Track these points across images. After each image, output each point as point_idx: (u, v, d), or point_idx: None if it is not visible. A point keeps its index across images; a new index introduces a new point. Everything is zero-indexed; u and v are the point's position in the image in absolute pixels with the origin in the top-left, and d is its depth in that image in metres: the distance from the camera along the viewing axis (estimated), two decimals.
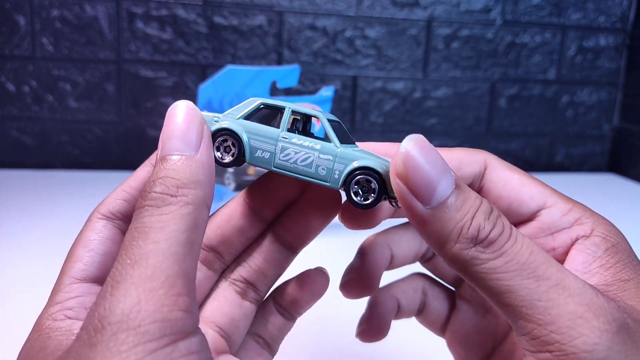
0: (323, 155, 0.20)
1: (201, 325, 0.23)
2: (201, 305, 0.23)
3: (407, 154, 0.17)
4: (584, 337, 0.16)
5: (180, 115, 0.19)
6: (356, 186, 0.20)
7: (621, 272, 0.19)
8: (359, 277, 0.25)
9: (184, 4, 0.84)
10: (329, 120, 0.22)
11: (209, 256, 0.23)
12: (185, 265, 0.16)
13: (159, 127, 0.88)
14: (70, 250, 0.21)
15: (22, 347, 0.19)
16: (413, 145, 0.18)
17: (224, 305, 0.23)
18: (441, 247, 0.18)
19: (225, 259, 0.24)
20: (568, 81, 0.98)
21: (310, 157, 0.21)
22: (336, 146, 0.20)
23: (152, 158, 0.22)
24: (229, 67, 0.53)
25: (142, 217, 0.17)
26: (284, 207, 0.24)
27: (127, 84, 0.86)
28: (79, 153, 0.87)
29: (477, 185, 0.23)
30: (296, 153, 0.21)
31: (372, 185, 0.20)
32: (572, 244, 0.21)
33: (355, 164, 0.20)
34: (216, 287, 0.24)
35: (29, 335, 0.20)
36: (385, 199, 0.20)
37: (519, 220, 0.22)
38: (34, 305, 0.43)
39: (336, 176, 0.20)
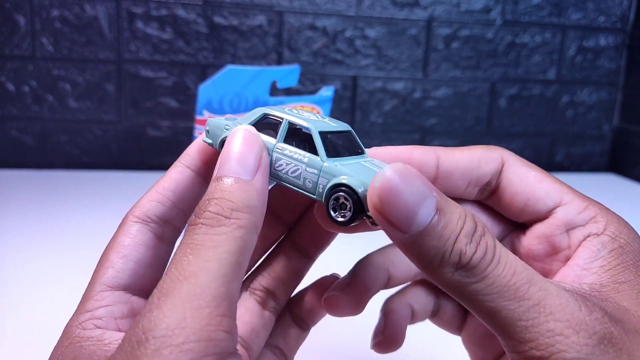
0: (309, 169, 0.20)
1: None
2: None
3: (382, 188, 0.17)
4: (563, 352, 0.17)
5: (240, 140, 0.19)
6: (334, 202, 0.20)
7: (620, 274, 0.19)
8: (344, 296, 0.24)
9: (184, 4, 0.84)
10: (332, 132, 0.21)
11: None
12: (232, 287, 0.17)
13: (158, 127, 0.88)
14: (102, 254, 0.21)
15: (51, 355, 0.19)
16: (388, 178, 0.17)
17: (245, 315, 0.24)
18: (425, 270, 0.18)
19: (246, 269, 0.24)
20: (568, 81, 0.98)
21: (299, 169, 0.20)
22: (322, 160, 0.20)
23: (183, 158, 0.23)
24: (229, 67, 0.53)
25: (195, 234, 0.17)
26: (304, 210, 0.24)
27: (127, 84, 0.86)
28: (78, 153, 0.87)
29: (495, 182, 0.23)
30: (287, 164, 0.21)
31: (348, 204, 0.19)
32: (584, 241, 0.21)
33: (334, 181, 0.20)
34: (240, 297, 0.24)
35: (58, 342, 0.20)
36: (363, 218, 0.19)
37: (535, 217, 0.22)
38: (34, 305, 0.43)
39: (320, 190, 0.20)
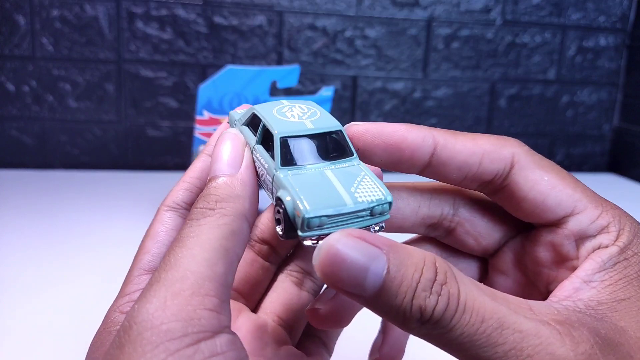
0: (268, 176, 0.20)
1: (263, 317, 0.24)
2: (262, 297, 0.25)
3: (322, 264, 0.16)
4: None
5: (223, 142, 0.20)
6: (277, 214, 0.19)
7: (620, 290, 0.19)
8: (328, 309, 0.23)
9: (184, 4, 0.84)
10: (303, 135, 0.20)
11: (263, 248, 0.24)
12: (217, 269, 0.17)
13: (158, 127, 0.88)
14: (140, 243, 0.22)
15: (92, 341, 0.20)
16: (325, 254, 0.16)
17: (282, 296, 0.24)
18: (395, 325, 0.17)
19: (281, 253, 0.25)
20: (568, 81, 0.97)
21: (264, 174, 0.20)
22: (275, 169, 0.19)
23: (206, 148, 0.23)
24: (229, 67, 0.53)
25: (183, 230, 0.18)
26: None
27: (127, 83, 0.86)
28: (78, 153, 0.87)
29: (500, 183, 0.21)
30: (259, 167, 0.20)
31: (282, 221, 0.19)
32: (592, 253, 0.20)
33: (277, 194, 0.19)
34: (275, 280, 0.25)
35: (99, 327, 0.20)
36: (298, 237, 0.18)
37: (544, 223, 0.21)
38: (34, 305, 0.43)
39: (272, 199, 0.20)
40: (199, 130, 0.54)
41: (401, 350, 0.25)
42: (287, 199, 0.18)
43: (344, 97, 0.91)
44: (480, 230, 0.23)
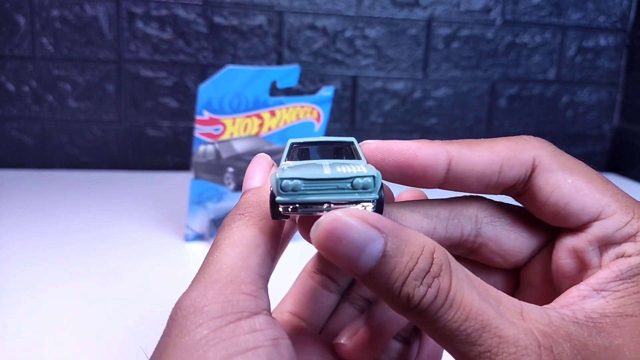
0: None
1: (323, 336, 0.24)
2: (326, 323, 0.25)
3: (319, 238, 0.17)
4: None
5: (252, 163, 0.22)
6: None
7: (630, 305, 0.17)
8: (354, 344, 0.23)
9: (184, 4, 0.84)
10: (313, 142, 0.21)
11: (322, 278, 0.25)
12: (250, 261, 0.18)
13: (158, 127, 0.88)
14: None
15: None
16: (323, 229, 0.17)
17: (344, 320, 0.25)
18: (385, 301, 0.17)
19: (339, 281, 0.25)
20: (568, 81, 0.98)
21: None
22: (281, 162, 0.20)
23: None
24: (229, 67, 0.53)
25: (217, 236, 0.19)
26: None
27: (127, 84, 0.86)
28: (78, 153, 0.87)
29: (521, 188, 0.20)
30: None
31: None
32: (613, 261, 0.19)
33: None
34: (339, 307, 0.25)
35: None
36: (280, 210, 0.19)
37: (568, 227, 0.20)
38: (34, 305, 0.43)
39: None
40: (199, 130, 0.54)
41: (439, 354, 0.25)
42: (272, 176, 0.18)
43: (344, 97, 0.91)
44: (507, 248, 0.22)
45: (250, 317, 0.17)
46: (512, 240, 0.22)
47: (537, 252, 0.22)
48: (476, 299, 0.17)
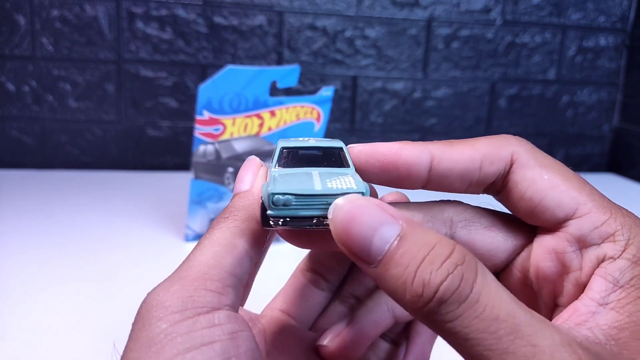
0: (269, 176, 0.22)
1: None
2: (316, 321, 0.26)
3: (335, 219, 0.17)
4: None
5: (242, 166, 0.22)
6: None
7: None
8: (335, 346, 0.23)
9: (184, 4, 0.84)
10: (303, 147, 0.21)
11: (312, 277, 0.26)
12: (224, 260, 0.18)
13: (158, 127, 0.88)
14: None
15: None
16: (340, 209, 0.17)
17: (333, 318, 0.25)
18: (399, 304, 0.16)
19: (330, 279, 0.26)
20: (568, 81, 0.98)
21: None
22: (271, 167, 0.21)
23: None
24: (229, 67, 0.53)
25: (201, 238, 0.20)
26: None
27: (127, 84, 0.86)
28: (78, 153, 0.87)
29: (500, 184, 0.20)
30: None
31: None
32: (599, 265, 0.18)
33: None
34: (329, 305, 0.26)
35: None
36: (270, 222, 0.19)
37: (545, 226, 0.20)
38: (34, 305, 0.43)
39: None
40: (199, 130, 0.54)
41: None
42: (264, 187, 0.19)
43: (344, 97, 0.91)
44: (482, 251, 0.21)
45: (210, 312, 0.17)
46: (486, 244, 0.21)
47: (515, 257, 0.22)
48: (507, 300, 0.15)
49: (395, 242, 0.16)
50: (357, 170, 0.21)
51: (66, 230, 0.60)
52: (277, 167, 0.21)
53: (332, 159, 0.21)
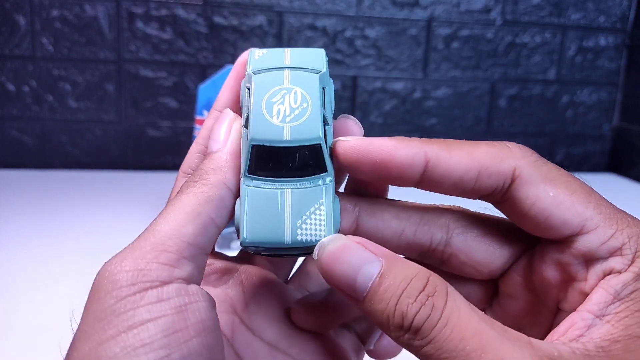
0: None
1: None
2: (293, 275, 0.26)
3: (320, 261, 0.18)
4: None
5: (213, 121, 0.22)
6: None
7: (637, 325, 0.17)
8: (309, 315, 0.23)
9: (184, 4, 0.84)
10: (278, 147, 0.20)
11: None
12: (184, 229, 0.18)
13: (158, 127, 0.88)
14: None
15: None
16: (323, 251, 0.18)
17: (312, 270, 0.26)
18: (386, 334, 0.17)
19: (280, 272, 0.26)
20: (568, 81, 0.98)
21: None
22: (242, 173, 0.20)
23: (216, 104, 0.24)
24: (229, 67, 0.53)
25: (168, 202, 0.20)
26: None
27: (127, 84, 0.86)
28: (78, 153, 0.87)
29: (499, 197, 0.20)
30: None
31: None
32: (603, 280, 0.18)
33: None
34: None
35: None
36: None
37: (551, 239, 0.19)
38: (34, 305, 0.43)
39: None
40: (199, 131, 0.54)
41: (398, 347, 0.25)
42: (237, 212, 0.20)
43: (344, 97, 0.91)
44: (478, 259, 0.21)
45: (159, 286, 0.17)
46: (482, 252, 0.21)
47: (515, 263, 0.21)
48: (475, 320, 0.16)
49: (377, 279, 0.17)
50: (345, 169, 0.20)
51: (66, 230, 0.60)
52: (247, 174, 0.20)
53: (309, 162, 0.20)
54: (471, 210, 0.22)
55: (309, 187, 0.20)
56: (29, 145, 0.86)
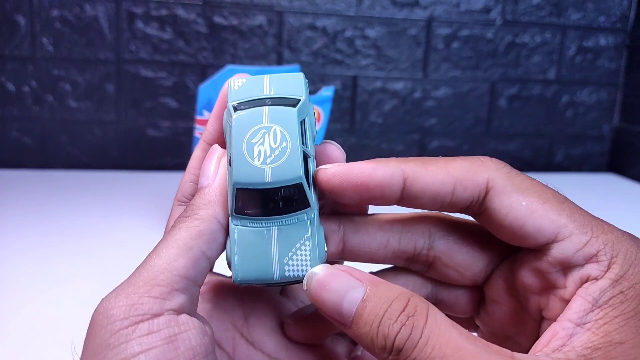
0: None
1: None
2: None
3: (309, 290, 0.19)
4: None
5: (206, 156, 0.22)
6: None
7: (616, 331, 0.17)
8: (300, 329, 0.23)
9: (184, 4, 0.84)
10: (258, 189, 0.20)
11: None
12: (176, 263, 0.19)
13: (158, 127, 0.88)
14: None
15: None
16: (312, 280, 0.19)
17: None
18: (370, 353, 0.18)
19: None
20: (568, 81, 0.98)
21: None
22: (229, 214, 0.21)
23: (204, 136, 0.24)
24: (229, 67, 0.53)
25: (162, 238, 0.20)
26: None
27: (127, 84, 0.86)
28: (78, 153, 0.87)
29: (476, 209, 0.21)
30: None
31: None
32: (582, 285, 0.18)
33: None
34: None
35: None
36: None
37: (528, 247, 0.20)
38: (34, 305, 0.43)
39: None
40: (199, 131, 0.54)
41: None
42: (227, 249, 0.21)
43: (344, 97, 0.91)
44: (460, 261, 0.22)
45: (150, 319, 0.18)
46: (463, 254, 0.22)
47: (497, 268, 0.22)
48: (455, 337, 0.16)
49: (361, 304, 0.18)
50: (329, 195, 0.21)
51: (66, 230, 0.60)
52: (234, 214, 0.20)
53: (292, 200, 0.20)
54: (452, 216, 0.23)
55: (293, 224, 0.20)
56: (29, 146, 0.86)
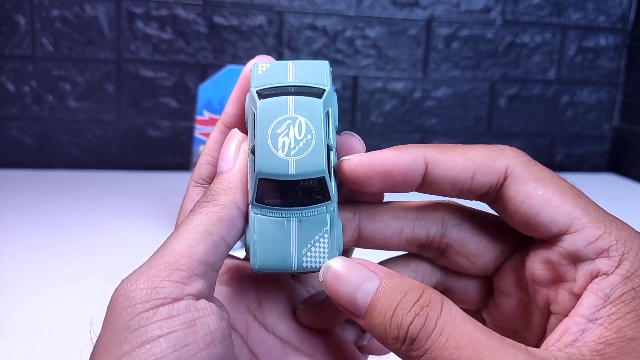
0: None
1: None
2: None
3: (325, 281, 0.19)
4: None
5: (227, 140, 0.22)
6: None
7: (629, 327, 0.17)
8: (311, 314, 0.24)
9: (184, 4, 0.84)
10: (281, 180, 0.21)
11: None
12: (196, 248, 0.19)
13: (158, 127, 0.88)
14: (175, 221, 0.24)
15: None
16: (328, 271, 0.19)
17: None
18: (383, 344, 0.18)
19: None
20: (568, 81, 0.98)
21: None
22: (249, 201, 0.22)
23: (222, 117, 0.24)
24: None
25: (181, 221, 0.20)
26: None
27: (127, 83, 0.86)
28: (78, 153, 0.87)
29: (494, 196, 0.21)
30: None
31: None
32: (592, 280, 0.18)
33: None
34: None
35: None
36: None
37: (540, 238, 0.20)
38: (34, 304, 0.43)
39: None
40: (199, 130, 0.54)
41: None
42: (247, 236, 0.21)
43: (344, 97, 0.91)
44: (472, 250, 0.22)
45: (170, 303, 0.18)
46: (475, 243, 0.22)
47: (508, 259, 0.22)
48: (470, 329, 0.17)
49: (375, 295, 0.18)
50: (353, 185, 0.21)
51: (66, 230, 0.60)
52: (255, 203, 0.20)
53: (314, 193, 0.20)
54: (466, 205, 0.23)
55: (313, 216, 0.21)
56: (29, 145, 0.86)
